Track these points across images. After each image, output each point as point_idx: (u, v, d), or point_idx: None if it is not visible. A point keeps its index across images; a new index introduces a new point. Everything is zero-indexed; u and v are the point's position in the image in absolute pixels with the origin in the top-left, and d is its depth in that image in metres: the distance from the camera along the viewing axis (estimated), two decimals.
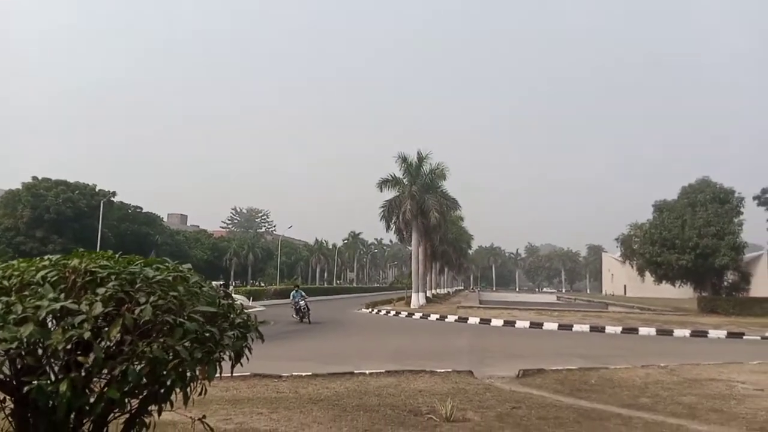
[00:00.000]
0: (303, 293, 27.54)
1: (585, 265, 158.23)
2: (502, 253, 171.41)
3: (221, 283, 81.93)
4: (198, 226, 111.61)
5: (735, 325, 27.40)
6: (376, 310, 37.35)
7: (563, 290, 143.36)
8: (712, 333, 24.43)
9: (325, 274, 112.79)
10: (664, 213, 41.27)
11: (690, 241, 38.11)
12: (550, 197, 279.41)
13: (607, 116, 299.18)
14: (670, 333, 24.57)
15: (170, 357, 2.49)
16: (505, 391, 9.30)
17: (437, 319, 30.74)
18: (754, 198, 42.63)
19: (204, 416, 3.21)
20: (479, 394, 8.92)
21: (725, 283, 42.78)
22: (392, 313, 35.07)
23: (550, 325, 26.58)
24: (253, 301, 40.03)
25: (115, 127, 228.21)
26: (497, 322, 27.81)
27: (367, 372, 10.52)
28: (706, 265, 38.52)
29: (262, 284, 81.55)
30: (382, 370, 10.72)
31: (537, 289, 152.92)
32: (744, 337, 23.79)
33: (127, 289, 2.58)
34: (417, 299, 40.52)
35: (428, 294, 50.88)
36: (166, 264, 2.97)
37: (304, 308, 26.56)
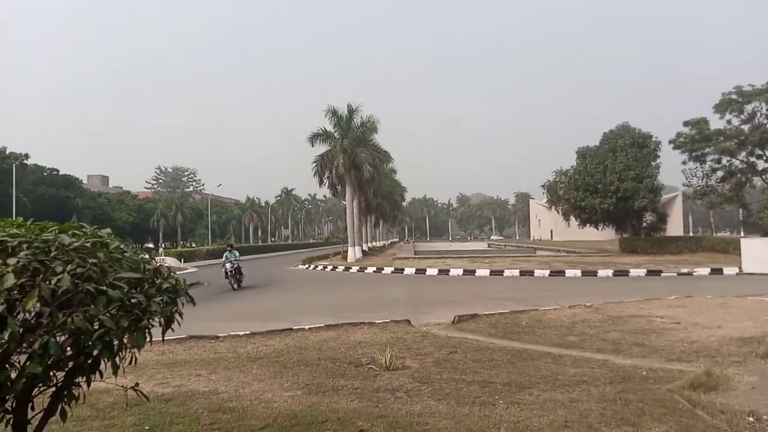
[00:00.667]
0: (237, 254, 24.79)
1: (514, 212, 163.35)
2: (435, 204, 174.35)
3: (150, 246, 79.53)
4: (121, 188, 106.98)
5: (653, 264, 29.21)
6: (312, 266, 37.35)
7: (493, 237, 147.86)
8: (633, 272, 25.97)
9: (259, 232, 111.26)
10: (587, 159, 42.72)
11: (611, 185, 39.83)
12: (480, 146, 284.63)
13: (538, 62, 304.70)
14: (594, 274, 25.94)
15: (95, 327, 2.34)
16: (441, 338, 9.56)
17: (374, 271, 31.11)
18: (670, 142, 44.82)
19: (137, 384, 3.09)
20: (417, 341, 9.14)
21: (644, 224, 45.18)
22: (329, 268, 35.18)
23: (483, 272, 27.46)
24: (184, 262, 39.07)
25: (28, 85, 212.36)
26: (432, 272, 28.45)
27: (306, 327, 10.54)
28: (626, 207, 40.49)
29: (194, 245, 79.71)
30: (321, 325, 10.77)
31: (469, 238, 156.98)
32: (662, 274, 25.43)
33: (42, 258, 2.38)
34: (353, 253, 40.76)
35: (364, 247, 51.25)
36: (84, 230, 2.77)
37: (233, 272, 23.39)
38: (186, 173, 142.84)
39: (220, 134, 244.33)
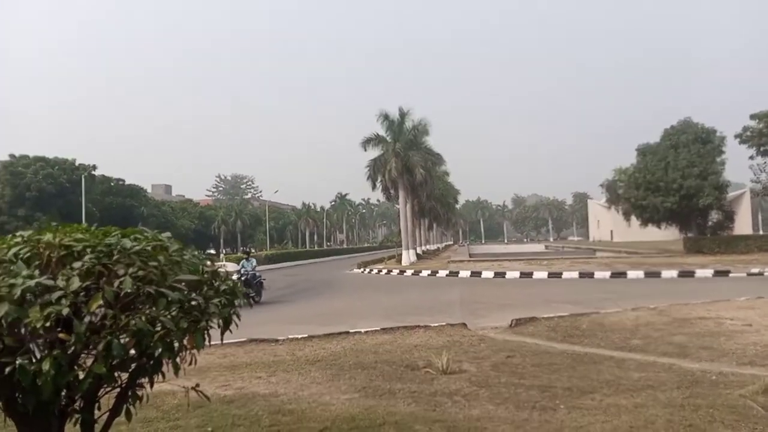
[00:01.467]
0: (254, 262, 21.48)
1: (571, 213, 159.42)
2: (490, 206, 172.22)
3: (211, 252, 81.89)
4: (183, 196, 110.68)
5: (721, 264, 27.88)
6: (368, 270, 37.55)
7: (551, 239, 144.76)
8: (699, 272, 24.86)
9: (315, 237, 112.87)
10: (647, 156, 41.35)
11: (674, 182, 38.37)
12: (537, 147, 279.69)
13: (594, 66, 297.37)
14: (658, 275, 24.96)
15: (155, 328, 2.41)
16: (499, 341, 9.40)
17: (429, 274, 30.97)
18: (736, 136, 42.72)
19: (197, 384, 3.15)
20: (474, 345, 9.01)
21: (710, 223, 43.29)
22: (384, 271, 35.27)
23: (540, 274, 26.89)
24: None
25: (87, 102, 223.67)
26: (488, 274, 28.07)
27: (363, 331, 10.58)
28: (690, 205, 38.91)
29: (253, 250, 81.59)
30: (377, 328, 10.79)
31: (525, 240, 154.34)
32: (730, 274, 24.23)
33: (105, 262, 2.47)
34: (408, 256, 40.74)
35: (418, 251, 51.17)
36: (145, 234, 2.86)
37: (250, 280, 19.42)
38: (244, 180, 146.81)
39: (277, 141, 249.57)
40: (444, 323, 11.17)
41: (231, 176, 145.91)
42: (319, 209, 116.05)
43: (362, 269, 38.35)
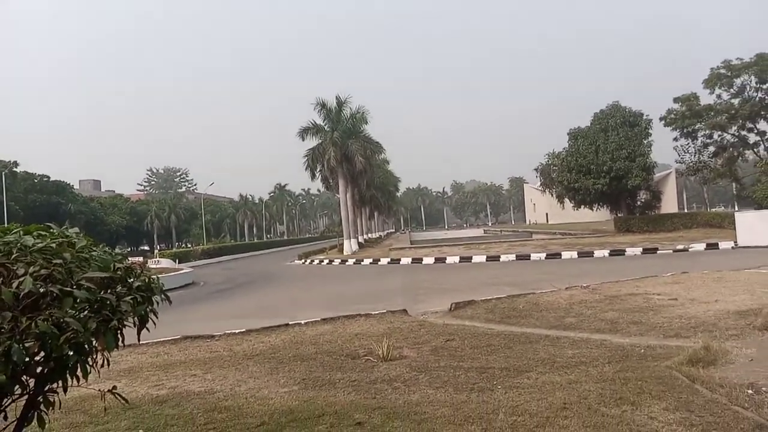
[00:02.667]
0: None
1: (509, 197, 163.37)
2: (430, 193, 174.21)
3: (145, 248, 79.15)
4: (113, 191, 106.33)
5: (649, 242, 29.24)
6: (309, 261, 37.25)
7: (489, 223, 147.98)
8: (629, 251, 25.99)
9: (254, 230, 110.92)
10: (578, 140, 42.61)
11: (604, 165, 39.82)
12: (473, 132, 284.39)
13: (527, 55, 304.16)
14: (590, 254, 25.93)
15: (62, 330, 2.22)
16: (438, 326, 9.49)
17: (371, 263, 31.04)
18: (661, 119, 44.78)
19: (114, 387, 2.97)
20: (414, 331, 9.06)
21: (638, 203, 45.27)
22: (326, 261, 35.09)
23: (479, 258, 27.43)
24: (179, 263, 38.92)
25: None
26: (429, 260, 28.40)
27: (303, 322, 10.45)
28: (620, 187, 40.50)
29: (189, 245, 79.41)
30: (317, 319, 10.68)
31: (465, 225, 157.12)
32: (658, 252, 25.47)
33: (3, 261, 2.27)
34: (349, 245, 40.68)
35: (360, 239, 51.19)
36: (51, 230, 2.64)
37: None
38: (178, 174, 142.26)
39: (211, 132, 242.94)
40: (385, 311, 11.19)
41: (164, 169, 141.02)
42: (257, 201, 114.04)
43: (303, 260, 38.02)
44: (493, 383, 5.69)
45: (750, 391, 5.10)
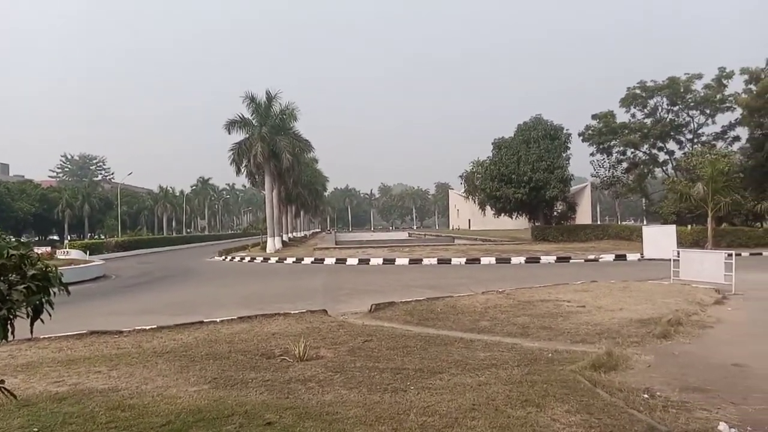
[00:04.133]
0: None
1: (434, 202, 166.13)
2: (357, 194, 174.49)
3: (54, 238, 74.62)
4: (23, 176, 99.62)
5: (563, 251, 30.59)
6: (230, 258, 36.37)
7: (414, 227, 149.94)
8: (544, 259, 27.09)
9: (174, 224, 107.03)
10: (502, 150, 43.96)
11: (525, 175, 41.29)
12: (403, 136, 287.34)
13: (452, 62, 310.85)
14: (508, 261, 26.83)
15: None
16: (357, 326, 9.51)
17: (294, 262, 30.70)
18: (579, 134, 47.03)
19: (2, 381, 2.77)
20: (333, 331, 9.03)
21: (555, 213, 47.26)
22: (247, 259, 34.38)
23: (402, 261, 27.76)
24: (91, 255, 36.93)
25: None
26: (353, 261, 28.43)
27: (219, 320, 10.18)
28: (538, 197, 42.14)
29: (102, 237, 75.52)
30: (234, 317, 10.43)
31: (390, 228, 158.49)
32: (571, 260, 26.71)
33: None
34: (273, 244, 40.06)
35: (285, 238, 50.51)
36: None
37: None
38: (94, 161, 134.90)
39: (133, 120, 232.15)
40: (304, 310, 11.10)
41: (79, 156, 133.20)
42: (178, 193, 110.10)
43: (224, 257, 37.10)
44: (406, 384, 5.77)
45: (645, 396, 5.44)
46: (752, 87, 38.59)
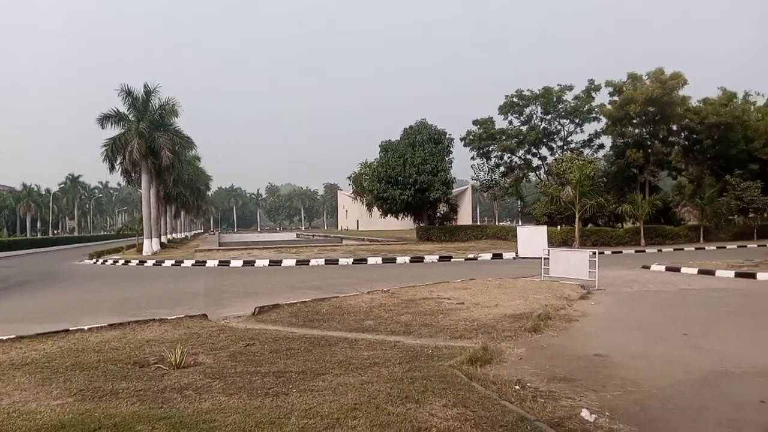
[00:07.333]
0: None
1: (323, 202, 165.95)
2: (244, 193, 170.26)
3: None
4: None
5: (445, 250, 31.80)
6: (102, 260, 33.97)
7: (303, 228, 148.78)
8: (428, 258, 27.97)
9: (38, 224, 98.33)
10: (389, 152, 44.97)
11: (410, 177, 42.51)
12: (291, 136, 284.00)
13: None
14: (393, 261, 27.41)
15: None
16: (239, 330, 9.26)
17: (172, 264, 29.29)
18: (461, 139, 49.06)
19: None
20: (213, 336, 8.72)
21: (438, 214, 49.05)
22: (121, 261, 32.29)
23: (289, 262, 27.43)
24: None
25: None
26: (237, 263, 27.65)
27: (86, 328, 9.45)
28: (423, 198, 43.55)
29: None
30: (104, 324, 9.74)
31: (278, 228, 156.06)
32: (452, 260, 27.82)
33: None
34: (150, 245, 37.98)
35: (163, 239, 48.08)
36: None
37: None
38: None
39: None
40: (182, 315, 10.61)
41: None
42: (44, 192, 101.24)
43: (95, 260, 34.58)
44: (288, 387, 5.70)
45: (517, 387, 5.78)
46: (616, 98, 42.34)
